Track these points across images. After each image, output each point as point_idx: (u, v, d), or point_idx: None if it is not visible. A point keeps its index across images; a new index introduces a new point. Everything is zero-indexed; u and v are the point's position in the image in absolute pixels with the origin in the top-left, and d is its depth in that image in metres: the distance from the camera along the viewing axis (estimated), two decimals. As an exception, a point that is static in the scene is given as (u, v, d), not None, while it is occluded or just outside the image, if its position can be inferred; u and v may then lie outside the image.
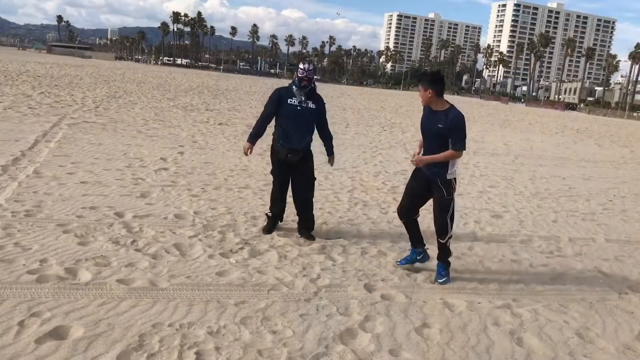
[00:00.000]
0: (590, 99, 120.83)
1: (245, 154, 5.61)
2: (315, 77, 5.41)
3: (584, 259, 5.89)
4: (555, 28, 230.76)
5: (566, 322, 4.15)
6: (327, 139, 5.69)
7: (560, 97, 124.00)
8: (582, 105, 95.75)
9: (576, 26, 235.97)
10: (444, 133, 4.48)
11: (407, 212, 4.97)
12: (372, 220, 6.64)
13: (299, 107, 5.33)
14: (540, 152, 16.92)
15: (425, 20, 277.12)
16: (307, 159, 5.51)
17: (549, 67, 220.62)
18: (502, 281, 4.93)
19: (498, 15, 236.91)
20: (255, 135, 5.57)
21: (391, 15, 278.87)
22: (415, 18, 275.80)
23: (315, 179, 5.70)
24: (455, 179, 4.69)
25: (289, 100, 5.35)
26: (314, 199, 5.79)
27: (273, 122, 5.59)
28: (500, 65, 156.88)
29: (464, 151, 4.59)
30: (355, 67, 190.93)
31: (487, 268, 5.26)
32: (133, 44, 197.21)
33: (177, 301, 3.85)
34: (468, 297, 4.46)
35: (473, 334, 3.81)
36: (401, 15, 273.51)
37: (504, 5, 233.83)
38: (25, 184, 6.70)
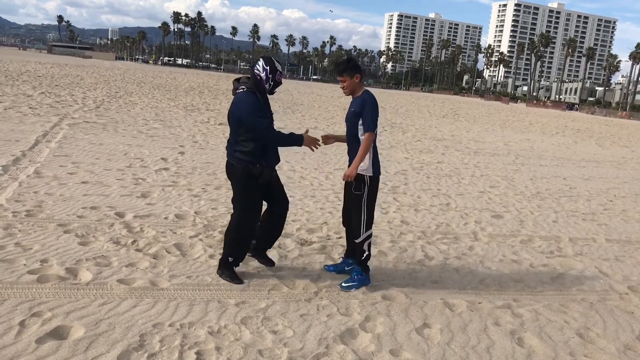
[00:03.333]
0: (590, 99, 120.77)
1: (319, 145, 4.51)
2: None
3: (585, 259, 5.89)
4: (556, 28, 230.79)
5: (567, 322, 4.15)
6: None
7: (560, 97, 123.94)
8: (580, 105, 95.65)
9: (577, 26, 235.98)
10: (357, 117, 4.28)
11: (345, 218, 4.67)
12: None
13: (271, 115, 4.40)
14: (540, 152, 16.91)
15: (426, 20, 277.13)
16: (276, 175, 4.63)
17: (549, 67, 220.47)
18: (503, 281, 4.94)
19: (499, 15, 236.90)
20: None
21: (392, 15, 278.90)
22: (415, 18, 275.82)
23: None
24: (370, 177, 4.35)
25: (268, 109, 4.36)
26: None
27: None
28: (501, 65, 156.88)
29: (375, 132, 4.28)
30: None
31: (487, 268, 5.26)
32: (134, 44, 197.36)
33: (178, 301, 3.85)
34: (468, 297, 4.46)
35: (473, 334, 3.81)
36: (402, 15, 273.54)
37: (505, 5, 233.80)
38: (26, 184, 6.71)
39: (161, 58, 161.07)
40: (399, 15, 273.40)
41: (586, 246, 6.41)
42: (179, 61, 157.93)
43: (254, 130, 4.11)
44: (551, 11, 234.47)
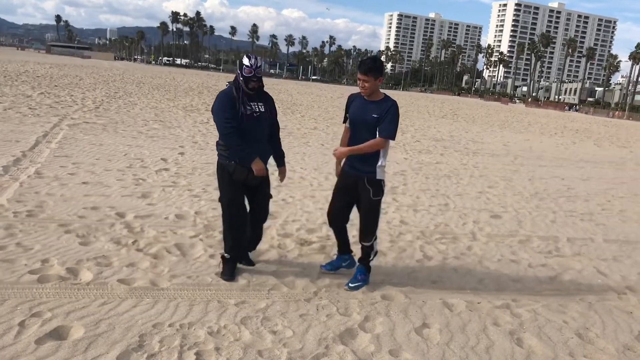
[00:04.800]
0: (590, 99, 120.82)
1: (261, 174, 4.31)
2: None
3: (583, 259, 5.91)
4: (556, 28, 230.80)
5: (565, 322, 4.16)
6: (277, 147, 4.60)
7: (560, 97, 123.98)
8: (579, 106, 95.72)
9: (577, 26, 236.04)
10: (375, 124, 4.15)
11: (335, 218, 4.56)
12: (372, 220, 6.65)
13: (254, 114, 4.21)
14: (539, 153, 16.93)
15: (426, 20, 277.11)
16: (264, 179, 4.44)
17: (549, 68, 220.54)
18: (501, 281, 4.95)
19: (499, 15, 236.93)
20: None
21: (391, 15, 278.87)
22: (415, 18, 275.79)
23: (269, 196, 4.61)
24: (383, 181, 4.33)
25: (243, 107, 4.16)
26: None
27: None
28: (501, 66, 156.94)
29: (391, 141, 4.25)
30: (355, 67, 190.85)
31: (486, 268, 5.28)
32: (132, 43, 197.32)
33: (178, 301, 3.87)
34: (467, 297, 4.47)
35: (473, 334, 3.82)
36: (402, 15, 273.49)
37: (505, 5, 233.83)
38: (26, 184, 6.72)
39: (160, 58, 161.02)
40: (398, 15, 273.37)
41: (584, 246, 6.43)
42: (178, 61, 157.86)
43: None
44: (551, 11, 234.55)
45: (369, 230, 4.43)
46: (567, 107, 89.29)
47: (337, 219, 4.56)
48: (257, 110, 4.20)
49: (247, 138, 4.15)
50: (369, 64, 4.14)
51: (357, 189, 4.31)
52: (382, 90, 4.32)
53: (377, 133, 4.15)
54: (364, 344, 3.54)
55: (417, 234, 6.24)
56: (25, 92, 19.33)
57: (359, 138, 4.24)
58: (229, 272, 4.38)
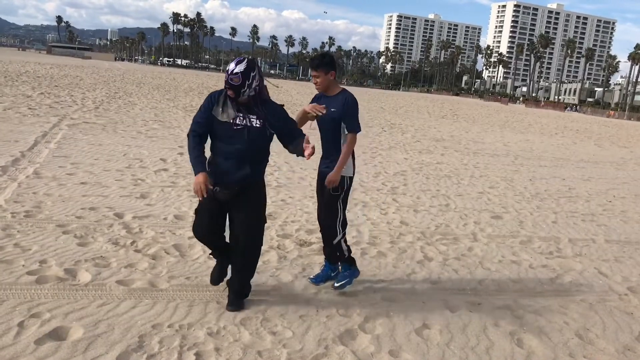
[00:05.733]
0: (590, 99, 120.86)
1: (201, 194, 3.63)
2: (256, 81, 3.60)
3: (584, 259, 5.89)
4: (555, 29, 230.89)
5: (566, 323, 4.15)
6: (296, 145, 3.79)
7: (560, 97, 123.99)
8: (579, 106, 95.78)
9: (576, 27, 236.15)
10: (337, 117, 4.10)
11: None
12: (372, 221, 6.64)
13: (233, 127, 3.63)
14: (540, 153, 16.92)
15: (425, 21, 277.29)
16: (249, 195, 3.75)
17: (548, 68, 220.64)
18: (502, 282, 4.93)
19: (498, 16, 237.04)
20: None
21: (391, 16, 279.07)
22: (415, 19, 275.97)
23: (264, 221, 3.91)
24: (350, 177, 4.21)
25: (220, 112, 3.65)
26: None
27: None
28: (500, 66, 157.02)
29: (359, 133, 4.18)
30: (355, 68, 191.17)
31: (487, 269, 5.26)
32: (133, 44, 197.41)
33: (177, 302, 3.85)
34: (468, 298, 4.45)
35: (473, 334, 3.81)
36: (401, 16, 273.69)
37: (504, 6, 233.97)
38: (25, 184, 6.70)
39: (160, 59, 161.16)
40: (398, 16, 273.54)
41: (585, 247, 6.41)
42: (178, 62, 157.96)
43: None
44: (550, 12, 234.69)
45: (330, 226, 4.23)
46: (569, 108, 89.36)
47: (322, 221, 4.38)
48: (243, 123, 3.60)
49: (218, 150, 3.69)
50: (318, 60, 4.12)
51: (323, 185, 4.20)
52: (342, 86, 4.29)
53: (345, 129, 4.11)
54: (364, 345, 3.52)
55: (417, 234, 6.22)
56: (25, 92, 19.32)
57: (325, 135, 4.23)
58: (216, 276, 4.03)
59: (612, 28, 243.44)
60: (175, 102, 22.21)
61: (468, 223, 6.99)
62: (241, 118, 3.63)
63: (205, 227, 3.82)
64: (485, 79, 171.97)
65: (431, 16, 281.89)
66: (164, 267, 4.48)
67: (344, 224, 4.29)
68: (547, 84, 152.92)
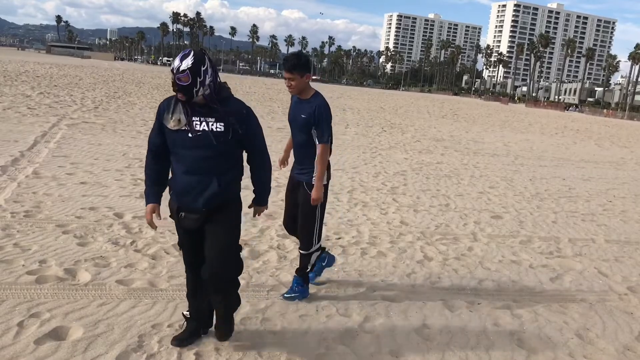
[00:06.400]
0: (590, 99, 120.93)
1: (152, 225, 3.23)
2: (209, 75, 2.93)
3: (584, 259, 5.89)
4: (555, 28, 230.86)
5: (566, 323, 4.15)
6: (259, 174, 3.33)
7: (560, 97, 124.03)
8: (579, 107, 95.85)
9: (576, 27, 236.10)
10: (309, 124, 3.88)
11: (292, 225, 4.26)
12: (372, 221, 6.64)
13: (190, 134, 2.97)
14: (540, 153, 16.92)
15: (425, 20, 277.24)
16: (221, 218, 3.09)
17: (549, 68, 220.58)
18: (502, 282, 4.93)
19: (498, 16, 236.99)
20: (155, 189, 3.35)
21: (391, 16, 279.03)
22: (415, 18, 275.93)
23: (239, 248, 3.21)
24: (325, 186, 4.00)
25: (170, 119, 3.01)
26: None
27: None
28: (500, 66, 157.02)
29: (331, 145, 3.98)
30: (355, 68, 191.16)
31: (487, 269, 5.26)
32: (132, 44, 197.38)
33: (177, 302, 3.84)
34: (468, 298, 4.45)
35: (473, 334, 3.80)
36: (401, 16, 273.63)
37: (504, 6, 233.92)
38: (24, 184, 6.69)
39: (160, 58, 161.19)
40: (398, 15, 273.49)
41: (585, 247, 6.41)
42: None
43: None
44: (550, 11, 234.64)
45: (308, 238, 4.04)
46: (572, 107, 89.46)
47: (293, 225, 4.22)
48: (202, 128, 2.95)
49: (177, 166, 3.09)
50: (293, 61, 3.82)
51: (298, 194, 4.06)
52: (316, 90, 4.04)
53: (316, 139, 3.90)
54: (364, 345, 3.52)
55: (417, 234, 6.22)
56: (25, 92, 19.31)
57: (296, 138, 4.06)
58: (181, 335, 3.30)
59: (612, 28, 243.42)
60: (175, 102, 22.20)
61: (468, 223, 6.99)
62: (198, 122, 2.96)
63: (195, 266, 3.19)
64: (486, 78, 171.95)
65: (431, 16, 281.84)
66: (163, 267, 4.48)
67: (319, 236, 4.10)
68: (547, 83, 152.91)
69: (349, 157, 11.86)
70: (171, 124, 2.99)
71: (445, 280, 4.84)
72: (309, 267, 4.14)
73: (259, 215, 3.53)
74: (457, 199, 8.49)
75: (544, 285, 4.94)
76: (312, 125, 3.88)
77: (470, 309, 4.23)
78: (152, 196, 3.17)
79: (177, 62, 2.84)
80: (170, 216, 3.24)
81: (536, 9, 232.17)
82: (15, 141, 9.54)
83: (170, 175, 3.20)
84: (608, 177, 12.87)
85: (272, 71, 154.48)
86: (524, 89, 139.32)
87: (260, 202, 3.41)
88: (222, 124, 2.98)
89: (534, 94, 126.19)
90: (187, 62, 2.82)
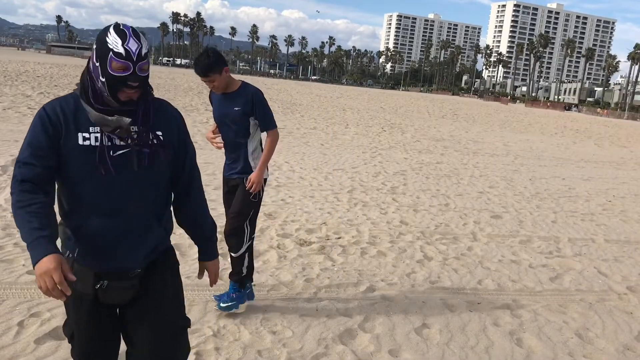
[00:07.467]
0: (590, 99, 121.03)
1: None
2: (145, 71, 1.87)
3: (584, 259, 5.89)
4: (555, 29, 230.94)
5: (565, 323, 4.15)
6: (197, 214, 2.21)
7: (560, 97, 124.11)
8: (578, 106, 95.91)
9: (576, 27, 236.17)
10: (245, 115, 3.60)
11: None
12: (372, 220, 6.65)
13: (114, 152, 1.88)
14: (539, 153, 16.93)
15: (425, 20, 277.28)
16: (159, 279, 2.08)
17: (548, 68, 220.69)
18: (502, 281, 4.94)
19: (498, 16, 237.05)
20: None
21: (391, 16, 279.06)
22: (415, 18, 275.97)
23: (187, 323, 2.18)
24: (265, 179, 3.76)
25: (81, 137, 1.85)
26: None
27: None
28: (500, 66, 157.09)
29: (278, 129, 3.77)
30: (355, 68, 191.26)
31: (486, 268, 5.27)
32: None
33: (177, 301, 3.84)
34: (467, 298, 4.46)
35: (472, 334, 3.81)
36: (401, 16, 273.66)
37: (504, 6, 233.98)
38: (24, 184, 6.69)
39: (160, 59, 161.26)
40: (398, 15, 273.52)
41: (585, 246, 6.42)
42: (178, 61, 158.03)
43: None
44: (550, 12, 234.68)
45: (238, 238, 3.72)
46: (574, 108, 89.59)
47: None
48: (126, 143, 1.88)
49: (85, 204, 1.88)
50: (204, 62, 3.47)
51: (236, 194, 3.74)
52: (238, 79, 3.74)
53: (260, 127, 3.67)
54: (364, 344, 3.52)
55: (417, 234, 6.22)
56: (25, 92, 19.31)
57: (228, 137, 3.72)
58: None
59: (612, 28, 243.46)
60: (174, 102, 22.21)
61: (468, 222, 6.99)
62: (124, 136, 1.88)
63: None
64: (485, 78, 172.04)
65: (431, 16, 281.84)
66: (163, 266, 4.48)
67: (252, 234, 3.81)
68: (547, 83, 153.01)
69: (349, 156, 11.87)
70: (83, 139, 1.83)
71: (445, 280, 4.85)
72: (245, 272, 3.79)
73: (214, 279, 2.34)
74: (456, 198, 8.50)
75: (544, 285, 4.95)
76: (249, 115, 3.61)
77: (470, 308, 4.24)
78: (45, 242, 1.70)
79: (132, 43, 1.80)
80: (78, 289, 1.87)
81: (536, 9, 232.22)
82: (15, 141, 9.54)
83: (61, 221, 1.95)
84: (608, 177, 12.88)
85: (272, 71, 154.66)
86: (524, 89, 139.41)
87: (213, 252, 2.28)
88: (160, 133, 1.96)
89: (533, 94, 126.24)
90: (144, 41, 1.86)
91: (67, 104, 1.90)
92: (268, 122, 3.67)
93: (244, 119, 3.62)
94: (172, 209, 2.15)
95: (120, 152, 1.88)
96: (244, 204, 3.68)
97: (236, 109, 3.60)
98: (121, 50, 1.79)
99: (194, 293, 4.03)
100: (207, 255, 2.27)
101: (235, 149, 3.72)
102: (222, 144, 3.82)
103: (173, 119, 2.05)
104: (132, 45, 1.82)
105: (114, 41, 1.80)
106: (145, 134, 1.92)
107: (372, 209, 7.25)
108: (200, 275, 2.33)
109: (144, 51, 1.84)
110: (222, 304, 3.73)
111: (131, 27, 1.86)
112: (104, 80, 1.82)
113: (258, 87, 3.72)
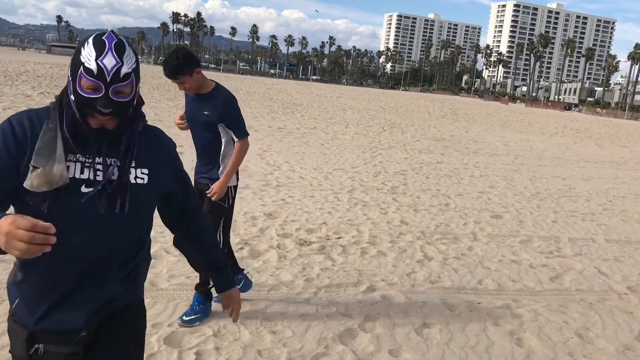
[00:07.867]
0: (590, 99, 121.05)
1: None
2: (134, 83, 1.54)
3: (584, 259, 5.89)
4: (555, 28, 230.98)
5: (566, 323, 4.15)
6: (209, 250, 1.93)
7: (560, 97, 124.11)
8: (579, 107, 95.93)
9: (576, 27, 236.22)
10: (214, 122, 3.45)
11: None
12: (372, 220, 6.64)
13: (85, 187, 1.49)
14: (540, 152, 16.92)
15: (425, 20, 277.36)
16: (114, 339, 1.64)
17: (548, 68, 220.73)
18: (502, 281, 4.94)
19: (498, 16, 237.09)
20: None
21: (391, 16, 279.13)
22: (415, 18, 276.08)
23: None
24: (235, 187, 3.69)
25: (49, 161, 1.46)
26: None
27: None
28: (500, 66, 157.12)
29: (248, 138, 3.61)
30: (355, 68, 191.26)
31: (486, 268, 5.26)
32: (133, 44, 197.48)
33: (177, 301, 3.85)
34: (468, 298, 4.46)
35: (473, 334, 3.81)
36: (401, 16, 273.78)
37: (504, 6, 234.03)
38: (24, 184, 6.69)
39: (160, 59, 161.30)
40: (398, 15, 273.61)
41: (585, 246, 6.41)
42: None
43: None
44: (550, 11, 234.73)
45: None
46: (575, 107, 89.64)
47: None
48: (110, 177, 1.53)
49: (53, 257, 1.36)
50: (173, 63, 3.31)
51: (205, 200, 3.59)
52: (211, 80, 3.56)
53: (233, 136, 3.53)
54: (364, 344, 3.52)
55: (417, 234, 6.22)
56: (25, 91, 19.31)
57: (198, 138, 3.60)
58: None
59: (612, 28, 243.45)
60: (175, 102, 22.20)
61: (468, 222, 6.99)
62: (97, 169, 1.53)
63: None
64: (485, 78, 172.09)
65: (431, 16, 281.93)
66: (164, 266, 4.48)
67: (225, 244, 3.71)
68: (547, 83, 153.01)
69: (349, 156, 11.86)
70: (57, 169, 1.45)
71: (445, 279, 4.84)
72: (211, 283, 3.50)
73: (235, 315, 2.16)
74: (457, 198, 8.49)
75: (544, 285, 4.95)
76: (217, 122, 3.46)
77: (470, 308, 4.24)
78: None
79: (108, 58, 1.43)
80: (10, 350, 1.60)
81: (536, 8, 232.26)
82: (15, 141, 9.54)
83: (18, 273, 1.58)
84: (608, 177, 12.87)
85: (272, 71, 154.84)
86: (524, 88, 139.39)
87: (230, 281, 2.04)
88: (147, 171, 1.63)
89: (533, 94, 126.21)
90: (130, 58, 1.49)
91: (39, 118, 1.59)
92: (238, 131, 3.52)
93: (213, 124, 3.47)
94: (146, 254, 1.75)
95: (90, 189, 1.49)
96: (212, 213, 3.48)
97: (206, 113, 3.45)
98: (92, 66, 1.43)
99: (194, 293, 4.02)
100: (225, 284, 2.03)
101: (206, 152, 3.60)
102: (186, 125, 3.68)
103: (165, 153, 1.74)
104: (108, 61, 1.43)
105: (87, 54, 1.45)
106: (123, 173, 1.54)
107: (372, 209, 7.25)
108: (226, 308, 2.08)
109: (124, 71, 1.45)
110: (184, 317, 3.54)
111: (120, 39, 1.48)
112: (73, 99, 1.51)
113: (231, 92, 3.56)
